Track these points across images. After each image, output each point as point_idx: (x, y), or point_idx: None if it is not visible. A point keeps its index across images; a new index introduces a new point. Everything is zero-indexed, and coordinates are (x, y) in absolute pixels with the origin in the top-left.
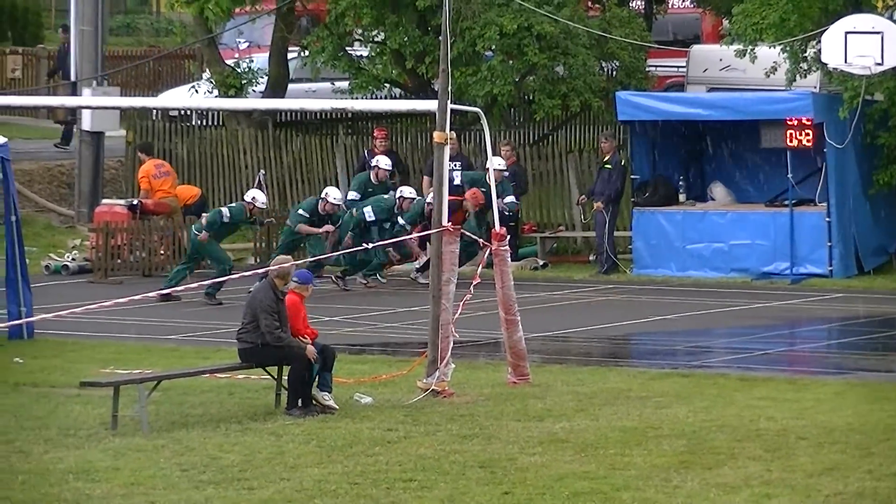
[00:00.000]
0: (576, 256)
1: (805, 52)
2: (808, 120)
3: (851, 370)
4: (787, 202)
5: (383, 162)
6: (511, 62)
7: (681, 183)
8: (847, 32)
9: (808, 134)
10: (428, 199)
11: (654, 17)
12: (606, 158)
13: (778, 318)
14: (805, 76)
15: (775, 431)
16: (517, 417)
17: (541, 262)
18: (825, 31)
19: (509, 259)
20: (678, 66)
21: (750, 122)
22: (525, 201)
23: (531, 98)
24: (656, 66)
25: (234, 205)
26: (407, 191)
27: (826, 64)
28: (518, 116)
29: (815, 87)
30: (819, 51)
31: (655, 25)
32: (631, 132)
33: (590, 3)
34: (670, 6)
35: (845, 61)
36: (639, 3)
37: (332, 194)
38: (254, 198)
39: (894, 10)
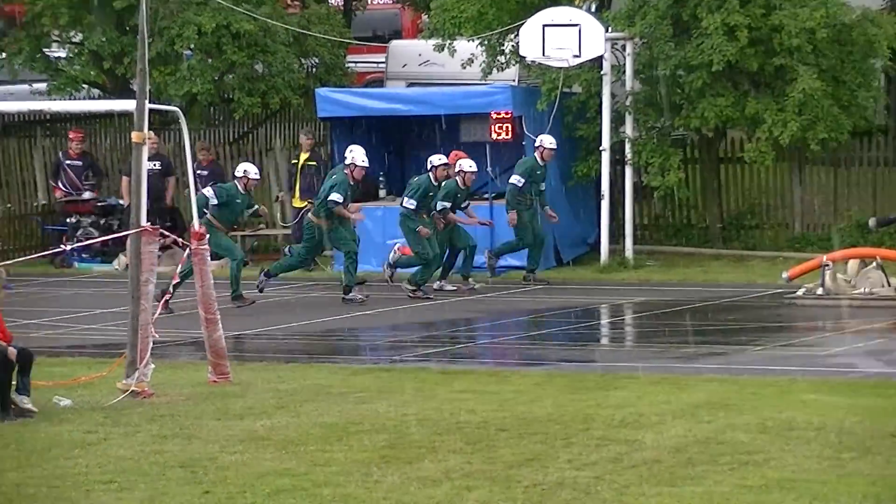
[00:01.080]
0: (276, 254)
1: (503, 45)
2: (507, 113)
3: (552, 361)
4: (487, 195)
5: (360, 158)
6: (210, 61)
7: (381, 178)
8: (545, 25)
9: (507, 127)
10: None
11: (354, 14)
12: (308, 156)
13: (479, 310)
14: (502, 70)
15: (476, 424)
16: (217, 416)
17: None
18: (523, 24)
19: (209, 258)
20: (378, 62)
21: (450, 117)
22: None
23: (231, 96)
24: (356, 63)
25: (223, 185)
26: (436, 159)
27: (524, 57)
28: (218, 115)
29: (514, 80)
30: (517, 44)
31: (355, 21)
32: (332, 129)
33: (289, 1)
34: (369, 2)
35: (543, 54)
36: None
37: (360, 155)
38: (245, 171)
39: (591, 2)
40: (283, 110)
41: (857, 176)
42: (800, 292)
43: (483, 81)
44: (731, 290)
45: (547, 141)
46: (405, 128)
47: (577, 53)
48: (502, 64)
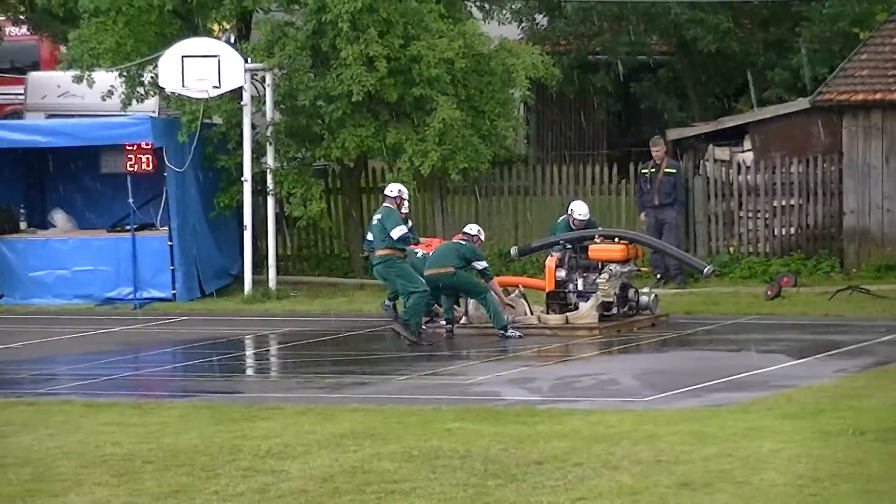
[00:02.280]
0: None
1: (143, 76)
2: (147, 144)
3: (196, 392)
4: (129, 227)
5: (578, 210)
6: None
7: (22, 211)
8: (184, 56)
9: (148, 159)
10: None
11: None
12: None
13: (122, 343)
14: (142, 101)
15: (121, 456)
16: None
17: None
18: (162, 55)
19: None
20: (17, 94)
21: (90, 148)
22: None
23: None
24: None
25: (380, 212)
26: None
27: (164, 88)
28: None
29: (155, 112)
30: (157, 75)
31: None
32: None
33: None
34: (7, 33)
35: (183, 85)
36: None
37: (579, 209)
38: (400, 190)
39: (231, 34)
40: None
41: (499, 205)
42: (443, 321)
43: (123, 113)
44: (375, 320)
45: (577, 212)
46: (45, 160)
47: (217, 84)
48: (142, 95)
